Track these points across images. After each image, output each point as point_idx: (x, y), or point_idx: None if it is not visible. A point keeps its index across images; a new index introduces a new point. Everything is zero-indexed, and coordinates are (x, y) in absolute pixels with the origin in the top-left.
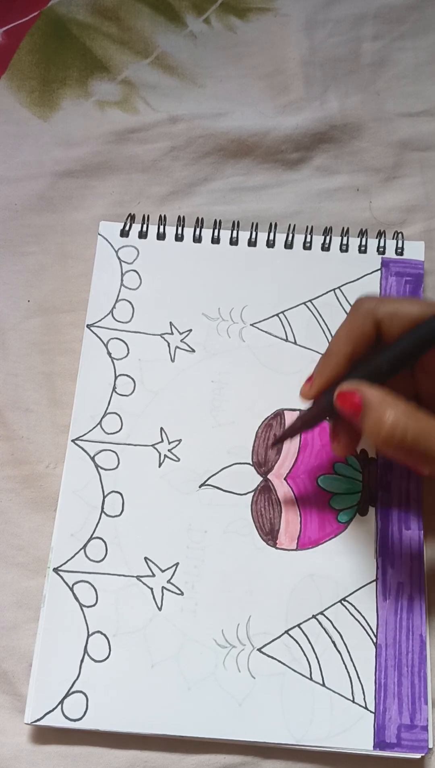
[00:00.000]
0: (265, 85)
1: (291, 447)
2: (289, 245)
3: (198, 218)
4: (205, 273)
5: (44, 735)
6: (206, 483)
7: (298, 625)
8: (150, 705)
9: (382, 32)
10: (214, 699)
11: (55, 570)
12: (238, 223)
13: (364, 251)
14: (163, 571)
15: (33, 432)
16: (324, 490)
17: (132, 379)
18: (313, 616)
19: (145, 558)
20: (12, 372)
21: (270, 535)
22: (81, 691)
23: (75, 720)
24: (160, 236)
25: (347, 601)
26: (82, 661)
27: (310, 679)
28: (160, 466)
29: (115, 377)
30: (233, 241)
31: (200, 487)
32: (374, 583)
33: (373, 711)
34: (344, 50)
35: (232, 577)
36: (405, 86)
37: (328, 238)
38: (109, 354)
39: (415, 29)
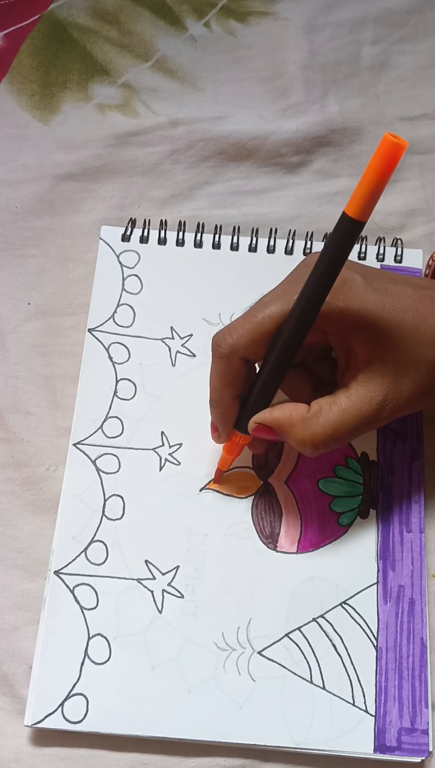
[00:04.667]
0: (265, 88)
1: (291, 450)
2: (289, 251)
3: (199, 223)
4: (205, 278)
5: (44, 737)
6: (206, 486)
7: (299, 628)
8: (150, 707)
9: (382, 36)
10: (215, 702)
11: (56, 573)
12: (239, 228)
13: (364, 258)
14: (163, 574)
15: (33, 434)
16: (324, 494)
17: (133, 383)
18: (314, 619)
19: (146, 561)
20: (12, 374)
21: (270, 538)
22: (81, 694)
23: (75, 722)
24: (161, 241)
25: (348, 604)
26: (82, 663)
27: (311, 682)
28: (160, 469)
29: (117, 381)
30: (234, 247)
31: (201, 490)
32: (375, 586)
33: (374, 714)
34: (344, 54)
35: (232, 580)
36: (405, 90)
37: None
38: (111, 358)
39: (415, 33)
